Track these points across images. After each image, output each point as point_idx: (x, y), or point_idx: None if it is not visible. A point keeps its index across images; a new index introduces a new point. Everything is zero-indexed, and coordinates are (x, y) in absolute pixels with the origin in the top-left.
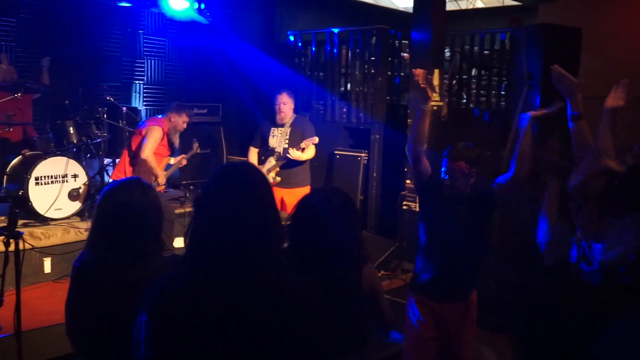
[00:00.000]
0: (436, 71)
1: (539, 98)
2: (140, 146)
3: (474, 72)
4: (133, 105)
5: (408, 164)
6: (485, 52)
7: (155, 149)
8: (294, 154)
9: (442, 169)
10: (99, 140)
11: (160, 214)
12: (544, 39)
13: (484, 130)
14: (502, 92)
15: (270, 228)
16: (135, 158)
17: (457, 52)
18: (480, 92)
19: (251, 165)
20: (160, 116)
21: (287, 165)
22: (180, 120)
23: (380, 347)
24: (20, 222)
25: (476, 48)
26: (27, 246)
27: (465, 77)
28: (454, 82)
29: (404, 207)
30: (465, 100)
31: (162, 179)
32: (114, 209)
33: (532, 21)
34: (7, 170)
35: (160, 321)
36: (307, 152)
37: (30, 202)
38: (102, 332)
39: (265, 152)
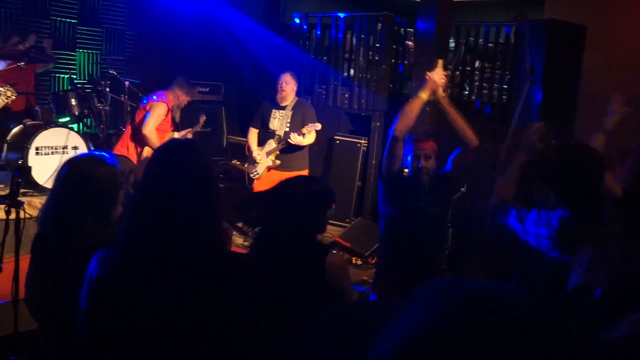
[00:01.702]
0: (439, 61)
1: (540, 93)
2: (143, 121)
3: (477, 64)
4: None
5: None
6: (490, 44)
7: (159, 125)
8: (295, 139)
9: (409, 155)
10: (100, 113)
11: (113, 188)
12: (548, 34)
13: (484, 123)
14: (505, 86)
15: (205, 206)
16: (137, 133)
17: (461, 43)
18: (482, 85)
19: (192, 144)
20: (164, 91)
21: (287, 149)
22: (185, 97)
23: None
24: (19, 191)
25: (481, 40)
26: (26, 215)
27: (468, 68)
28: (457, 73)
29: None
30: (467, 92)
31: None
32: (68, 181)
33: (539, 16)
34: (8, 138)
35: (99, 287)
36: (308, 137)
37: (30, 172)
38: (51, 296)
39: (265, 133)
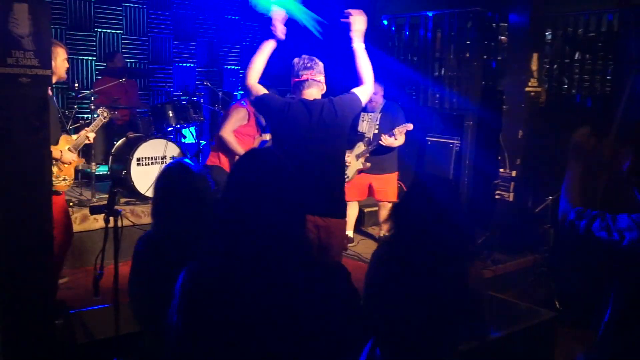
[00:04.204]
0: (535, 55)
1: None
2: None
3: (577, 55)
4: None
5: (502, 152)
6: (591, 34)
7: (239, 128)
8: (387, 140)
9: None
10: (196, 123)
11: (203, 196)
12: None
13: (586, 118)
14: (608, 77)
15: (291, 214)
16: (223, 141)
17: (559, 35)
18: (583, 77)
19: (275, 154)
20: (245, 97)
21: (376, 151)
22: None
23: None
24: (123, 200)
25: (580, 30)
26: (128, 223)
27: (567, 61)
28: (555, 66)
29: (497, 197)
30: (566, 86)
31: None
32: (163, 192)
33: None
34: (113, 151)
35: (192, 297)
36: (400, 138)
37: (132, 182)
38: (157, 301)
39: (354, 136)
